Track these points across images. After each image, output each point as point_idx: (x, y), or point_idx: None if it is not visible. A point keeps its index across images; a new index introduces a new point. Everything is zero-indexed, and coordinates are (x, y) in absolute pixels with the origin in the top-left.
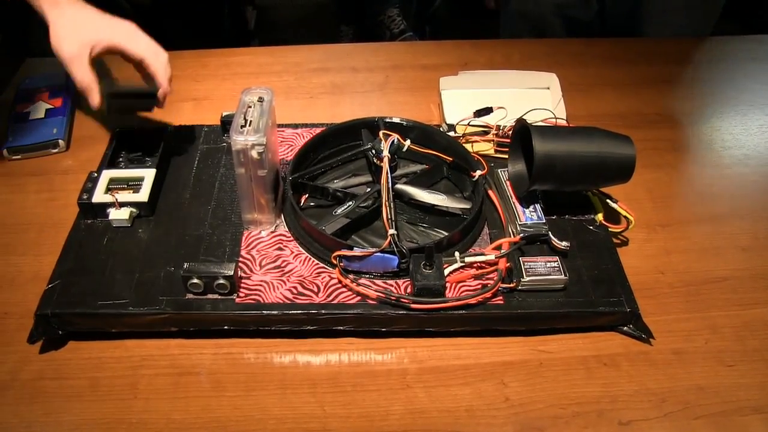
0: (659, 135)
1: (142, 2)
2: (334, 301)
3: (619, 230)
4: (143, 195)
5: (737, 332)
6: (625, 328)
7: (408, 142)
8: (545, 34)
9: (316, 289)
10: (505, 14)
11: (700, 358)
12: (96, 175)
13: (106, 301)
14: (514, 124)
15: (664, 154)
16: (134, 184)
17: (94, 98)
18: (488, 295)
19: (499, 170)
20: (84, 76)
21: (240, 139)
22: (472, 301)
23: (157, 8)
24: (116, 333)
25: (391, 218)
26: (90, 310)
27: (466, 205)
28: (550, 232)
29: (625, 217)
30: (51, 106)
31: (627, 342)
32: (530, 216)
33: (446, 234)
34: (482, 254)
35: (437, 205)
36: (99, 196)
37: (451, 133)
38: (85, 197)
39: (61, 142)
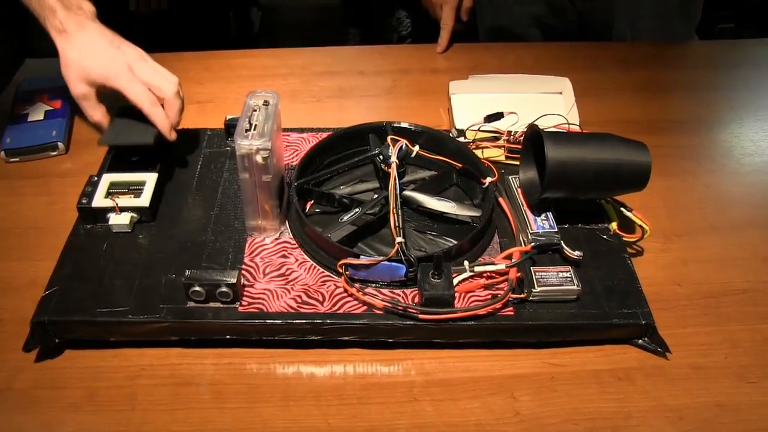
0: (676, 142)
1: (152, 11)
2: (340, 311)
3: (633, 239)
4: (144, 200)
5: (759, 347)
6: (640, 341)
7: (416, 148)
8: None
9: (321, 298)
10: (482, 29)
11: (720, 374)
12: (96, 178)
13: (104, 309)
14: (525, 129)
15: (681, 162)
16: (135, 189)
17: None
18: (498, 305)
19: (510, 177)
20: (94, 114)
21: (244, 144)
22: (482, 311)
23: (163, 12)
24: (115, 342)
25: (398, 226)
26: (88, 318)
27: (476, 213)
28: (562, 241)
29: (640, 226)
30: (50, 108)
31: (642, 356)
32: (542, 224)
33: (455, 242)
34: (492, 264)
35: (446, 213)
36: (99, 200)
37: (461, 139)
38: (84, 201)
39: (60, 144)
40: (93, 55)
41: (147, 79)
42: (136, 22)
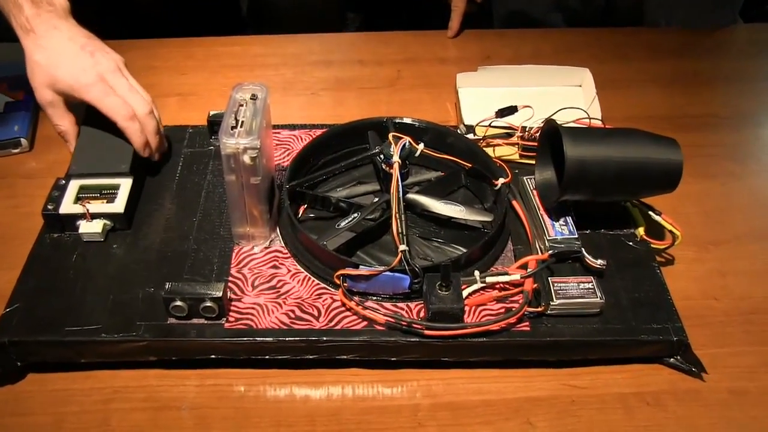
0: (712, 139)
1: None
2: (337, 327)
3: (663, 247)
4: (118, 205)
5: None
6: (672, 360)
7: (421, 146)
8: None
9: (316, 313)
10: (496, 13)
11: (764, 400)
12: (64, 181)
13: (74, 327)
14: (541, 125)
15: (718, 161)
16: (108, 193)
17: (71, 144)
18: (512, 320)
19: (524, 178)
20: (61, 123)
21: (230, 142)
22: (494, 327)
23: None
24: (86, 363)
25: (401, 232)
26: (56, 338)
27: (487, 218)
28: (583, 249)
29: (671, 231)
30: (11, 100)
31: (674, 377)
32: (560, 230)
33: (464, 250)
34: (506, 274)
35: (454, 218)
36: (67, 206)
37: (470, 136)
38: (50, 207)
39: (23, 141)
40: (62, 63)
41: (120, 94)
42: (140, 11)
